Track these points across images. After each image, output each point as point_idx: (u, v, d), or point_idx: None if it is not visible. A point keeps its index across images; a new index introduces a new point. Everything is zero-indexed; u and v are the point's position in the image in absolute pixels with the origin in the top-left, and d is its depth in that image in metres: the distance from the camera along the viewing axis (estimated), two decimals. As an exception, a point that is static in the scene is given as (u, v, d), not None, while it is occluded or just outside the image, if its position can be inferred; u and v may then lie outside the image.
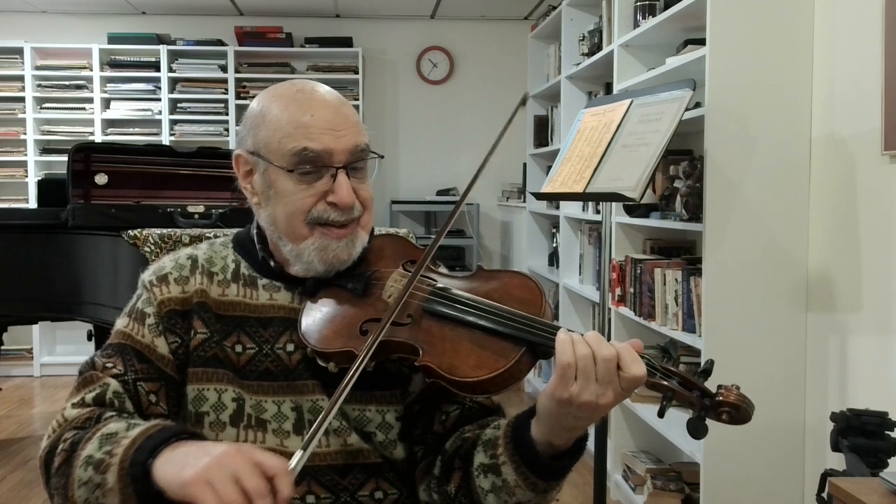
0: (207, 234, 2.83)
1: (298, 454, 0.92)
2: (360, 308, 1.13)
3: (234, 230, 1.32)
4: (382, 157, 1.20)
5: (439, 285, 1.13)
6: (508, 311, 1.04)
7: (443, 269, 1.22)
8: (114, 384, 1.11)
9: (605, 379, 0.95)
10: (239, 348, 1.15)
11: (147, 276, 1.20)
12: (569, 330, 1.00)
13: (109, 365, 1.13)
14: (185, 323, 1.15)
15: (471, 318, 1.05)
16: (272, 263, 1.19)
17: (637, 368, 0.95)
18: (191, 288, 1.17)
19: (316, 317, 1.14)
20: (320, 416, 0.95)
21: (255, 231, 1.22)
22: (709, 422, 0.96)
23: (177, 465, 0.91)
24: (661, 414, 0.99)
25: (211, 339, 1.14)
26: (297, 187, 1.11)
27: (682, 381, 0.98)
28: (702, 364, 1.02)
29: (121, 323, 1.18)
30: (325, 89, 1.18)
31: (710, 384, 0.98)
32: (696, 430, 0.96)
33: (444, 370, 1.01)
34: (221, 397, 1.12)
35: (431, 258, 1.18)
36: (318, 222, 1.13)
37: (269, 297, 1.18)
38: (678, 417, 2.77)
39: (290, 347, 1.15)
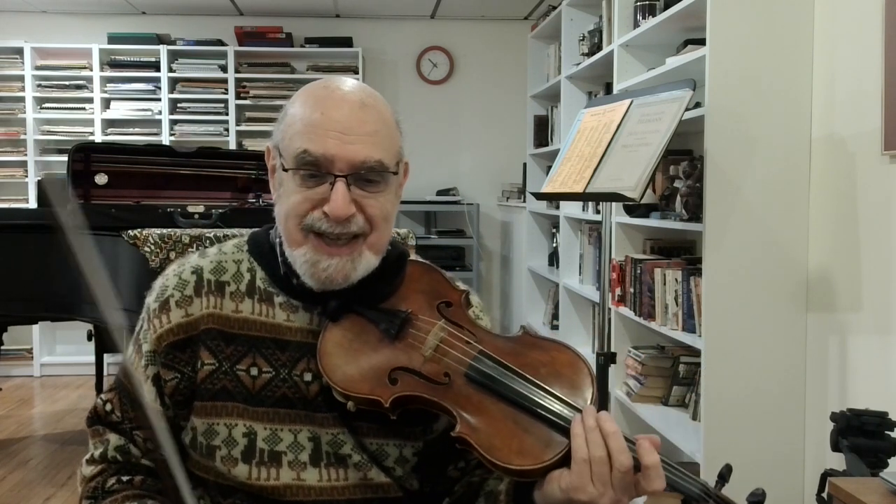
0: (207, 234, 2.83)
1: None
2: (390, 352, 1.04)
3: (240, 230, 1.25)
4: (396, 173, 1.06)
5: (481, 348, 1.03)
6: (561, 398, 0.97)
7: (476, 313, 1.15)
8: (113, 440, 1.11)
9: (623, 486, 0.92)
10: (254, 371, 1.07)
11: (151, 300, 1.12)
12: (596, 413, 0.95)
13: (109, 408, 1.13)
14: (187, 354, 1.07)
15: (518, 399, 0.97)
16: (295, 281, 1.08)
17: (658, 484, 0.92)
18: (195, 311, 1.08)
19: (338, 350, 1.04)
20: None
21: (277, 239, 1.10)
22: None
23: None
24: None
25: (219, 369, 1.06)
26: (297, 189, 1.02)
27: None
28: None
29: (128, 352, 1.14)
30: (350, 86, 1.06)
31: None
32: None
33: (482, 448, 0.94)
34: (232, 432, 1.05)
35: (465, 297, 1.11)
36: (312, 230, 1.03)
37: (286, 318, 1.08)
38: (679, 417, 2.78)
39: (308, 377, 1.07)
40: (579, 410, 0.96)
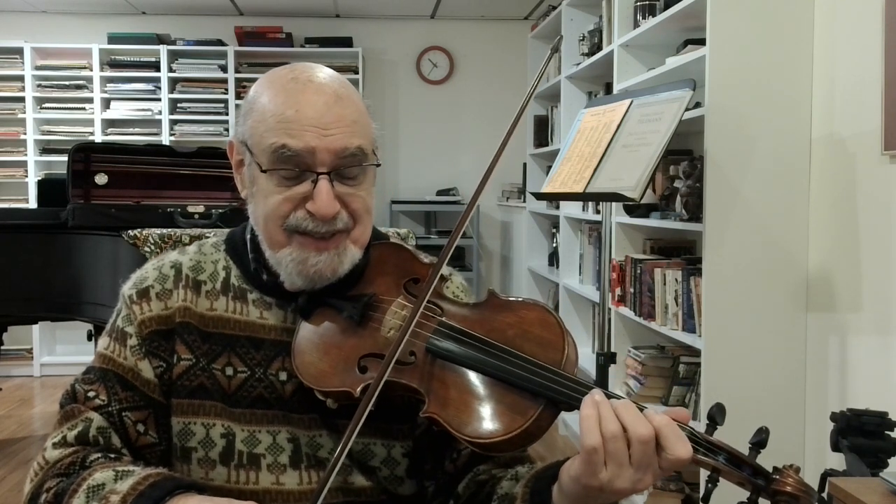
0: (207, 234, 2.82)
1: None
2: (357, 339, 1.00)
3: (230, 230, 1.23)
4: (378, 164, 1.04)
5: (445, 319, 0.98)
6: (527, 361, 0.90)
7: (452, 286, 1.11)
8: (97, 419, 1.01)
9: (643, 463, 0.81)
10: (230, 371, 1.04)
11: (128, 289, 1.08)
12: (604, 391, 0.85)
13: (92, 394, 1.03)
14: (168, 345, 1.04)
15: (482, 367, 0.91)
16: (265, 277, 1.06)
17: (682, 449, 0.81)
18: (173, 304, 1.06)
19: (310, 347, 1.01)
20: (324, 476, 0.86)
21: (248, 235, 1.09)
22: None
23: None
24: (705, 499, 0.84)
25: (196, 365, 1.04)
26: (275, 189, 0.98)
27: (730, 456, 0.83)
28: (752, 436, 0.86)
29: (102, 344, 1.07)
30: (322, 76, 1.03)
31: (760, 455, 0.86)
32: None
33: (453, 426, 0.88)
34: (209, 433, 1.02)
35: (435, 271, 1.03)
36: (297, 231, 0.99)
37: (259, 315, 1.06)
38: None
39: (283, 376, 1.04)
40: (549, 371, 0.89)
